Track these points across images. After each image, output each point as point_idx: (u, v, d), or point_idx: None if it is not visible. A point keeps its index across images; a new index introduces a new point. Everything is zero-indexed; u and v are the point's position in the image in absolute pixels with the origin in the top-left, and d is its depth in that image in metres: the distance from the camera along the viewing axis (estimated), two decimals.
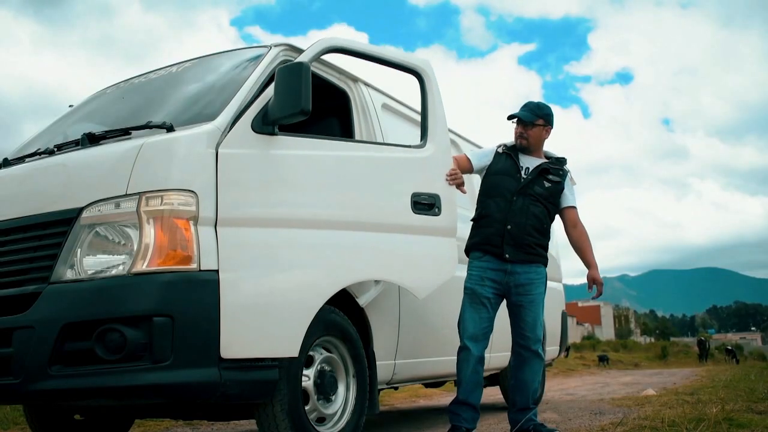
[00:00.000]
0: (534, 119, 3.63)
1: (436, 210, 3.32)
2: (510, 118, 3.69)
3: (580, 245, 3.70)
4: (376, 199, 3.15)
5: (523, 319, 3.55)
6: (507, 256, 3.48)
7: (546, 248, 3.65)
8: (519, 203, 3.52)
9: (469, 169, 3.76)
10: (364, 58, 3.30)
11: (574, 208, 3.71)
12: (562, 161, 3.75)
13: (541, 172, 3.61)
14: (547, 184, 3.60)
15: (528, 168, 3.63)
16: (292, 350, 2.70)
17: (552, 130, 3.71)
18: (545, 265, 3.65)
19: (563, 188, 3.68)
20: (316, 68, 3.46)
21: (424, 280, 3.30)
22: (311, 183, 2.90)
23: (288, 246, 2.76)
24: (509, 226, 3.49)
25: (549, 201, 3.61)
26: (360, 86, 3.77)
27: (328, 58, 3.37)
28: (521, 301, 3.53)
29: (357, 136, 3.59)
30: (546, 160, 3.70)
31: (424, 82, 3.48)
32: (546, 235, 3.63)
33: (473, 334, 3.49)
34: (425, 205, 3.28)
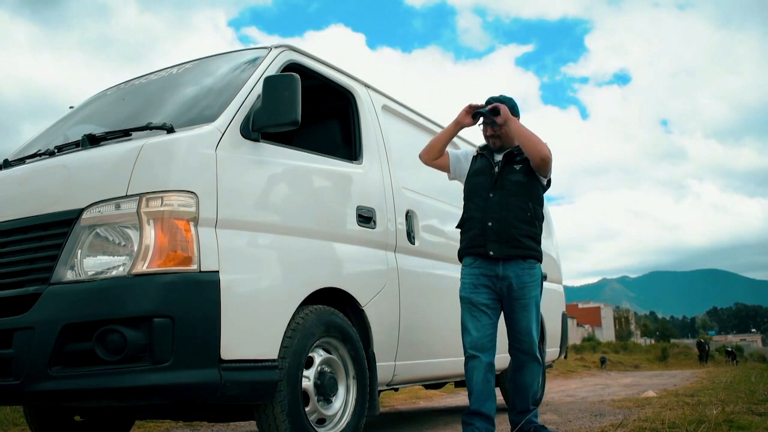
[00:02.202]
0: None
1: (373, 223, 3.47)
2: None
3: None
4: (334, 209, 3.26)
5: (517, 325, 3.44)
6: (491, 253, 3.36)
7: (536, 238, 3.47)
8: (496, 198, 3.40)
9: (448, 168, 3.69)
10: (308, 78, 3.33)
11: None
12: None
13: (507, 159, 3.47)
14: (517, 167, 3.44)
15: (501, 162, 3.50)
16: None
17: (519, 119, 3.50)
18: (539, 259, 3.48)
19: None
20: (324, 69, 3.50)
21: (366, 289, 3.36)
22: (285, 191, 2.96)
23: (273, 249, 2.80)
24: (490, 223, 3.37)
25: (529, 185, 3.43)
26: (362, 87, 3.81)
27: (332, 60, 3.56)
28: (513, 306, 3.42)
29: (362, 137, 3.65)
30: (515, 145, 3.51)
31: (356, 102, 3.69)
32: (533, 224, 3.43)
33: (478, 344, 3.36)
34: (365, 218, 3.42)
